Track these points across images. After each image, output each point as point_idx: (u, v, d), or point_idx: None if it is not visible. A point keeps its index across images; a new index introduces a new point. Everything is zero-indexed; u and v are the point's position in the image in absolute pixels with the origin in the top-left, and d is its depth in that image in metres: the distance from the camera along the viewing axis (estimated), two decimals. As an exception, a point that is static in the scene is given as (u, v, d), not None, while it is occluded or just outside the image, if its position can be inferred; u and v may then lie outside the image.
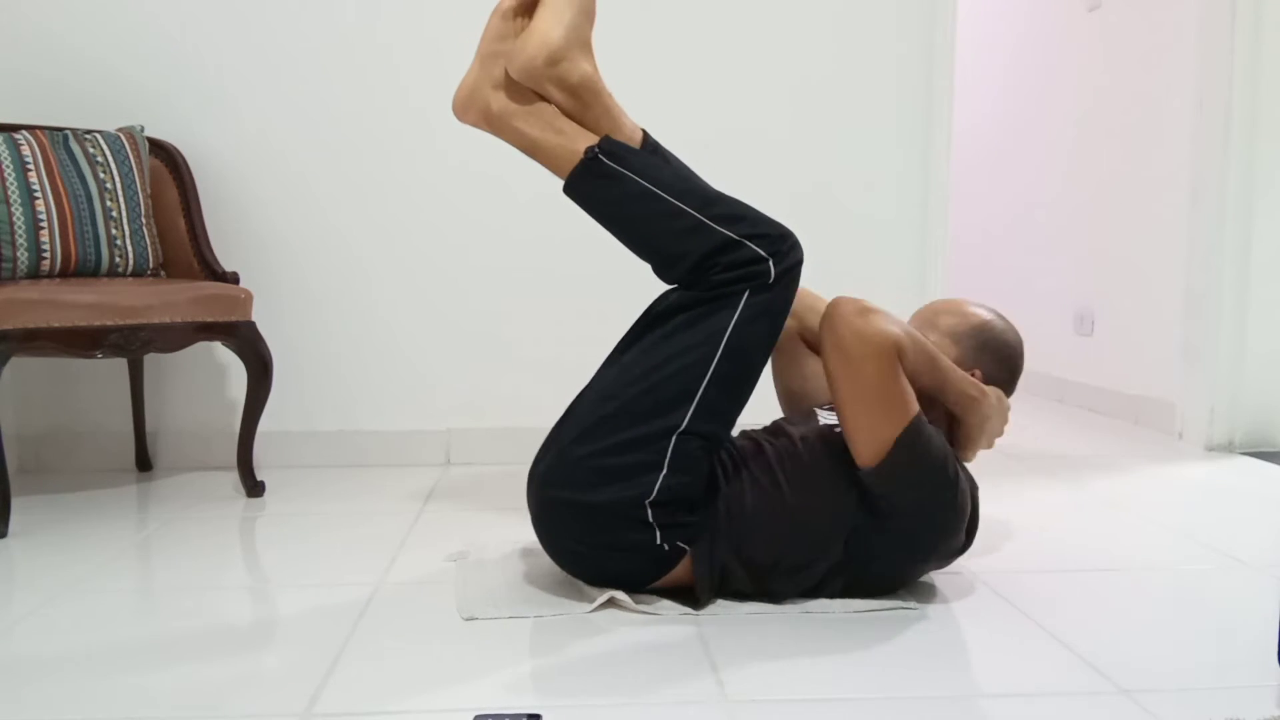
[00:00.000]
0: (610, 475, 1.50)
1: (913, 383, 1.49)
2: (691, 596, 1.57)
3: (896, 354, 1.45)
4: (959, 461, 1.60)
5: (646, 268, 1.64)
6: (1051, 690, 1.28)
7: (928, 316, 1.75)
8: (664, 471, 1.49)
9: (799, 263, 1.56)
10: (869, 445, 1.48)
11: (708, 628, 1.48)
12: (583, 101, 1.62)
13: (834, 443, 1.58)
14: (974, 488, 1.61)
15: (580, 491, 1.52)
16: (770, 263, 1.53)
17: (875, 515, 1.52)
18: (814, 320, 1.83)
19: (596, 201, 1.61)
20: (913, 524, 1.53)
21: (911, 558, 1.57)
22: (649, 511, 1.50)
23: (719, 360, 1.51)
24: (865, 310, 1.46)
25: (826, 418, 1.70)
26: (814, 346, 1.87)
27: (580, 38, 1.61)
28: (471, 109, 1.66)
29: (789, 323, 1.86)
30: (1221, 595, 1.64)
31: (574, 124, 1.62)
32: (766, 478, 1.56)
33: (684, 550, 1.53)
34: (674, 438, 1.50)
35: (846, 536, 1.53)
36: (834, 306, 1.49)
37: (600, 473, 1.51)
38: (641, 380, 1.52)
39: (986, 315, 1.74)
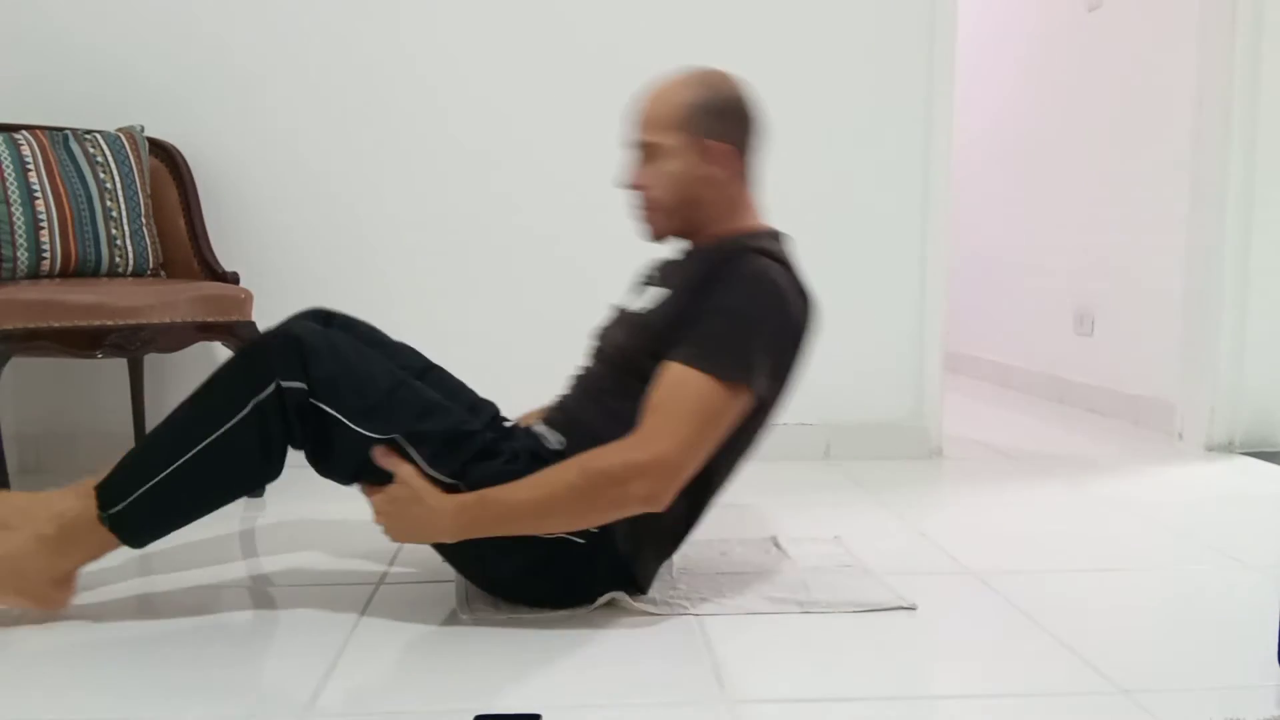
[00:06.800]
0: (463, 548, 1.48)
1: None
2: (693, 595, 1.57)
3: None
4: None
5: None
6: (1051, 690, 1.28)
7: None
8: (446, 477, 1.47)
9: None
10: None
11: (708, 628, 1.48)
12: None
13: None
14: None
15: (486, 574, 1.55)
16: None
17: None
18: None
19: None
20: None
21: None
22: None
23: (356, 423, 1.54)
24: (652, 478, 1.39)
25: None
26: None
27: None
28: None
29: None
30: (1221, 595, 1.64)
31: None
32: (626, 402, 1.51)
33: (606, 531, 1.46)
34: (413, 456, 1.50)
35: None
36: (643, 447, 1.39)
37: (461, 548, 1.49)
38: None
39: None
